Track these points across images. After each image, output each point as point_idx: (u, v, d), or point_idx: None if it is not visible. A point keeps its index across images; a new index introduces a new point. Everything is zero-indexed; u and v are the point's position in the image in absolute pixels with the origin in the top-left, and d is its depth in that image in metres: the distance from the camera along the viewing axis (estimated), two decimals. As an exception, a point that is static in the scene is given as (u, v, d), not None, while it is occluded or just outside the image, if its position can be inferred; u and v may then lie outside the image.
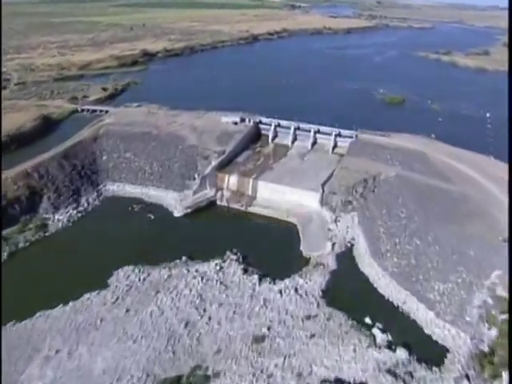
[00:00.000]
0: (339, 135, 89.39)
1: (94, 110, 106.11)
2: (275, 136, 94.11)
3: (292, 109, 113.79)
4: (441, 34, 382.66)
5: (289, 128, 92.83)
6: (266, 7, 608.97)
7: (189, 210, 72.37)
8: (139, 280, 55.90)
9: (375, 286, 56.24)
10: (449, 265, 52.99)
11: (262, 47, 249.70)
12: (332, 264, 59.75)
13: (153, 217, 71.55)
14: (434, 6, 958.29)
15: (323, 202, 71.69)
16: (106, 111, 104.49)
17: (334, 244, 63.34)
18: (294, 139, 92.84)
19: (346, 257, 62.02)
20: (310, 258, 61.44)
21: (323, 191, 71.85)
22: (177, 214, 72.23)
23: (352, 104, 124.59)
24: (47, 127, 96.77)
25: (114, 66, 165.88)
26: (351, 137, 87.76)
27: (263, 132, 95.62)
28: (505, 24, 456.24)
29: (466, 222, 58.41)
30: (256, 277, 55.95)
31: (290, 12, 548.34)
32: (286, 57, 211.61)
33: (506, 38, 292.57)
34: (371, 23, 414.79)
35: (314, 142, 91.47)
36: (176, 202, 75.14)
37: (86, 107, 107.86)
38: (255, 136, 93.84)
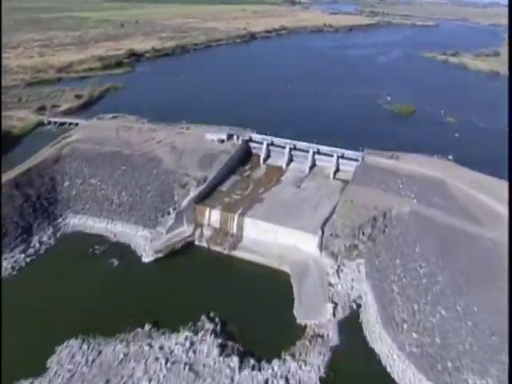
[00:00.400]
0: (342, 157, 76.69)
1: (63, 123, 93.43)
2: (268, 156, 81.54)
3: (287, 120, 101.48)
4: (445, 32, 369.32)
5: (283, 147, 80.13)
6: (265, 3, 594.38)
7: (160, 255, 59.75)
8: (86, 362, 43.47)
9: (388, 370, 43.85)
10: (487, 350, 40.58)
11: (258, 46, 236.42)
12: (333, 336, 47.33)
13: (116, 263, 59.00)
14: (436, 3, 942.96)
15: (323, 246, 59.18)
16: (76, 124, 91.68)
17: (335, 306, 50.82)
18: (290, 160, 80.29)
19: (352, 324, 49.60)
20: (305, 325, 48.82)
21: (323, 233, 59.22)
22: (146, 258, 59.75)
23: (356, 115, 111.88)
24: (4, 146, 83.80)
25: (96, 68, 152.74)
26: (356, 159, 75.10)
27: (254, 151, 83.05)
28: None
29: (504, 283, 45.87)
30: (236, 359, 43.53)
31: (289, 8, 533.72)
32: (283, 57, 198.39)
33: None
34: (373, 20, 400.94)
35: (313, 165, 78.90)
36: (146, 243, 62.57)
37: (53, 119, 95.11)
38: (244, 156, 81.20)
